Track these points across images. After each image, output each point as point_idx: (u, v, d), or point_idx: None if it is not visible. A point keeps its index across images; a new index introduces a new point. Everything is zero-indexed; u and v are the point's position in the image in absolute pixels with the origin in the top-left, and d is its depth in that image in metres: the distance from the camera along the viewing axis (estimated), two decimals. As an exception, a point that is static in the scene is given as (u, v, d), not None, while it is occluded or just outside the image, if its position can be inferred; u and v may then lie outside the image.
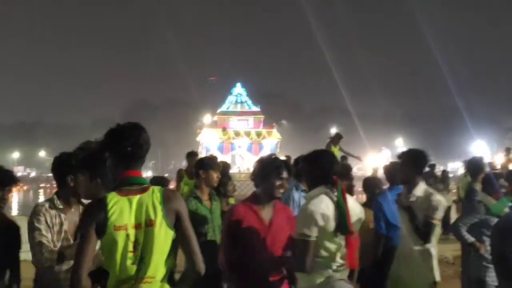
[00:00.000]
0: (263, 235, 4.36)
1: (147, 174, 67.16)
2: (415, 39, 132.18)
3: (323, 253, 4.19)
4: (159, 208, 3.30)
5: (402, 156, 5.89)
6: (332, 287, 4.19)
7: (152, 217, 3.28)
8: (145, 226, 3.27)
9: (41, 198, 57.38)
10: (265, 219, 4.40)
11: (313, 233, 4.11)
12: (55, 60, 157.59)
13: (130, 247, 3.24)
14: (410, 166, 5.71)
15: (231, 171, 15.64)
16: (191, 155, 11.33)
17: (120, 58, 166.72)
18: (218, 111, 57.73)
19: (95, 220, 3.25)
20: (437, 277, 5.63)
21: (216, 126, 53.69)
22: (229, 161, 24.70)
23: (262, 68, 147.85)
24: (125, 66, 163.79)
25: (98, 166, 3.95)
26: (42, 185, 75.62)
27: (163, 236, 3.30)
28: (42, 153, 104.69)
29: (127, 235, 3.24)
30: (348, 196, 4.33)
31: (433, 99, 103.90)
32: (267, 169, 4.46)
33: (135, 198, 3.30)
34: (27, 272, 4.78)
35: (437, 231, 5.82)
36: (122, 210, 3.26)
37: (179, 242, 3.39)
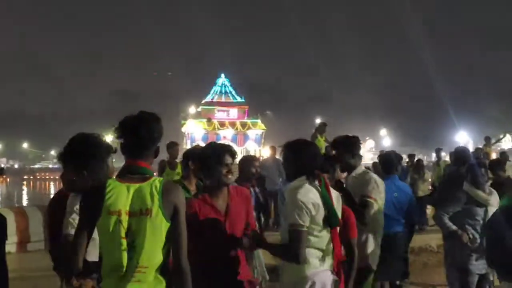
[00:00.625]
0: (221, 225, 4.32)
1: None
2: (399, 30, 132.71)
3: (313, 244, 4.17)
4: (156, 198, 3.30)
5: (336, 144, 5.95)
6: (314, 280, 4.16)
7: (149, 206, 3.28)
8: (139, 214, 3.27)
9: (25, 190, 57.05)
10: (221, 209, 4.32)
11: (306, 222, 4.08)
12: (37, 51, 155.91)
13: (122, 233, 3.24)
14: (346, 152, 5.83)
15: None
16: (171, 145, 11.25)
17: (102, 49, 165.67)
18: (203, 101, 57.75)
19: (92, 203, 3.30)
20: (374, 266, 5.67)
21: (201, 117, 53.67)
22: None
23: (246, 59, 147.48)
24: (107, 57, 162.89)
25: (84, 158, 3.92)
26: (25, 177, 75.09)
27: (158, 226, 3.29)
28: (25, 145, 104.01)
29: (120, 221, 3.25)
30: (330, 189, 4.32)
31: (416, 90, 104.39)
32: (210, 157, 4.36)
33: (134, 186, 3.33)
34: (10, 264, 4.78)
35: (378, 216, 5.76)
36: (118, 195, 3.29)
37: (170, 234, 3.35)
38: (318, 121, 54.71)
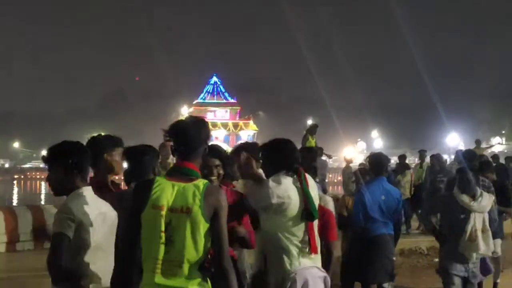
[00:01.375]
0: None
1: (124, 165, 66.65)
2: (391, 32, 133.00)
3: (289, 237, 4.25)
4: (198, 198, 3.51)
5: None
6: (303, 275, 4.22)
7: (190, 205, 3.50)
8: (180, 212, 3.50)
9: (15, 190, 56.82)
10: None
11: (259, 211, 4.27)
12: (29, 49, 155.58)
13: (162, 227, 3.47)
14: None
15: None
16: (162, 146, 11.16)
17: (95, 48, 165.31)
18: (195, 102, 57.73)
19: (141, 196, 3.57)
20: None
21: (193, 117, 53.80)
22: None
23: (238, 60, 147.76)
24: (99, 56, 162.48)
25: (76, 158, 3.89)
26: (16, 176, 74.80)
27: (197, 225, 3.49)
28: (15, 144, 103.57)
29: (161, 215, 3.48)
30: (309, 183, 4.40)
31: (408, 92, 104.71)
32: None
33: (179, 185, 3.56)
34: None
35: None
36: (163, 192, 3.54)
37: (211, 236, 3.54)
38: (309, 122, 54.93)
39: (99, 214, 3.87)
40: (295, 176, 4.33)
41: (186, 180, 3.59)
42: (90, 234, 3.74)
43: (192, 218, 3.48)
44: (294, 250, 4.27)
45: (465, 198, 6.49)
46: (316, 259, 4.36)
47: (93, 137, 4.89)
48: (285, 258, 4.28)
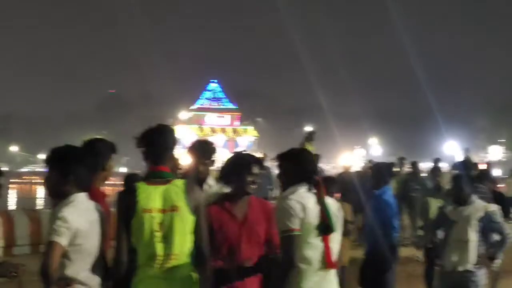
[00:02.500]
0: (237, 233, 4.29)
1: (121, 170, 66.58)
2: (389, 39, 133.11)
3: (307, 252, 4.14)
4: (182, 196, 3.94)
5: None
6: None
7: (176, 203, 3.92)
8: (170, 211, 3.90)
9: (12, 194, 56.67)
10: (239, 216, 4.33)
11: (296, 225, 4.07)
12: (27, 53, 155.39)
13: (156, 227, 3.87)
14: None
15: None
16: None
17: (93, 52, 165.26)
18: (193, 107, 57.71)
19: (127, 204, 3.93)
20: None
21: (191, 122, 53.65)
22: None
23: (238, 66, 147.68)
24: (98, 60, 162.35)
25: (71, 163, 3.89)
26: (12, 180, 74.57)
27: (186, 220, 3.93)
28: (13, 148, 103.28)
29: (153, 217, 3.87)
30: (326, 196, 4.31)
31: (406, 100, 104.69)
32: (238, 165, 4.41)
33: (161, 188, 3.95)
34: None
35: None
36: (149, 196, 3.91)
37: (194, 226, 3.98)
38: (308, 129, 54.90)
39: (92, 222, 3.91)
40: (312, 188, 4.27)
41: (164, 182, 4.00)
42: (84, 241, 3.78)
43: (180, 214, 3.91)
44: (310, 265, 4.16)
45: (449, 207, 6.45)
46: (330, 276, 4.25)
47: (90, 142, 4.87)
48: (297, 276, 4.16)
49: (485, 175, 8.50)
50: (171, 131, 4.20)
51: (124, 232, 3.95)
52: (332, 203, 4.35)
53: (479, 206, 6.29)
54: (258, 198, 4.65)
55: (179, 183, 4.02)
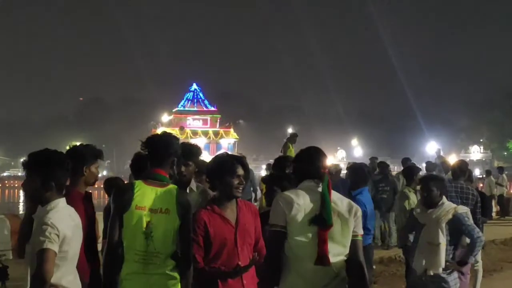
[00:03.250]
0: (232, 236, 4.27)
1: (102, 173, 66.25)
2: (371, 41, 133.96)
3: (299, 248, 3.96)
4: (173, 201, 4.16)
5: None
6: None
7: (168, 207, 4.14)
8: (159, 212, 4.13)
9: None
10: (231, 219, 4.29)
11: (281, 222, 3.96)
12: (4, 56, 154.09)
13: (144, 225, 4.09)
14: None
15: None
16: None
17: (74, 55, 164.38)
18: (174, 110, 57.49)
19: (124, 199, 4.13)
20: None
21: (172, 125, 53.44)
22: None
23: (218, 68, 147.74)
24: (77, 63, 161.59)
25: (52, 168, 3.85)
26: (-7, 184, 73.86)
27: (172, 223, 4.14)
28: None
29: (144, 215, 4.10)
30: (334, 193, 4.13)
31: (388, 101, 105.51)
32: (221, 168, 4.33)
33: (157, 189, 4.19)
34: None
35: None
36: (144, 195, 4.15)
37: (181, 230, 4.17)
38: (290, 130, 54.97)
39: (75, 226, 3.90)
40: (318, 182, 4.10)
41: (161, 185, 4.22)
42: (70, 246, 3.77)
43: (168, 217, 4.14)
44: (298, 263, 4.00)
45: (418, 210, 6.40)
46: (324, 272, 4.00)
47: (74, 147, 4.95)
48: (289, 272, 4.04)
49: (463, 172, 8.38)
50: (174, 139, 4.43)
51: (117, 225, 4.14)
52: (338, 201, 4.13)
53: (448, 208, 6.09)
54: (243, 200, 4.57)
55: (173, 188, 4.24)
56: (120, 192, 4.25)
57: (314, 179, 4.13)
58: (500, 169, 24.36)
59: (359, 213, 4.15)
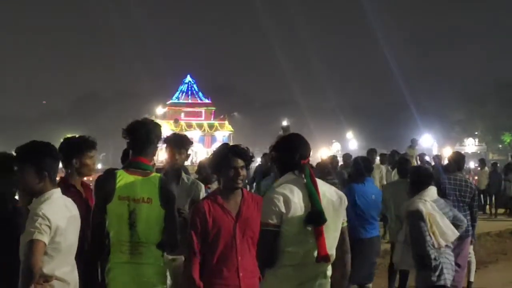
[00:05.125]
0: (231, 227, 4.21)
1: (97, 166, 66.08)
2: (364, 33, 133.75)
3: (295, 247, 3.83)
4: (156, 190, 4.20)
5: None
6: None
7: (150, 196, 4.18)
8: (142, 202, 4.14)
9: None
10: (232, 211, 4.25)
11: (275, 221, 3.79)
12: (1, 50, 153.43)
13: (127, 215, 4.12)
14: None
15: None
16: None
17: (68, 49, 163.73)
18: (169, 102, 57.37)
19: (106, 188, 4.14)
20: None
21: (167, 117, 53.33)
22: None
23: (212, 61, 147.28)
24: (72, 57, 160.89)
25: (44, 159, 3.81)
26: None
27: (156, 212, 4.19)
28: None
29: (128, 205, 4.12)
30: (320, 182, 4.01)
31: (382, 93, 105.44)
32: (218, 161, 4.32)
33: (139, 178, 4.20)
34: None
35: None
36: (127, 184, 4.16)
37: (165, 219, 4.24)
38: (285, 123, 54.84)
39: (71, 217, 3.87)
40: (301, 174, 3.94)
41: (143, 173, 4.25)
42: (62, 238, 3.73)
43: (151, 206, 4.18)
44: (295, 262, 3.86)
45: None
46: (322, 270, 3.96)
47: (66, 139, 4.93)
48: (286, 271, 3.90)
49: (457, 165, 8.33)
50: (155, 126, 4.39)
51: (101, 216, 4.18)
52: (328, 191, 4.02)
53: (407, 205, 6.07)
54: (251, 193, 4.53)
55: (155, 177, 4.29)
56: (102, 183, 4.25)
57: (294, 171, 3.98)
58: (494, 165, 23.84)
59: (346, 200, 4.08)
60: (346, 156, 14.26)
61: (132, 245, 4.15)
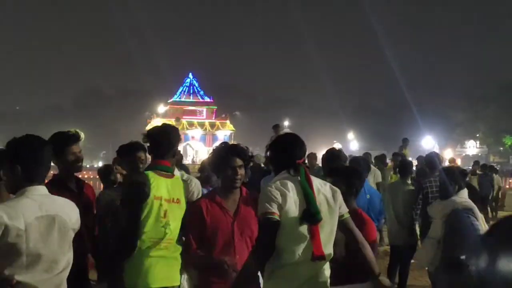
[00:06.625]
0: (229, 226, 4.21)
1: (98, 164, 66.04)
2: (366, 34, 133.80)
3: (290, 244, 3.75)
4: (182, 190, 4.57)
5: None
6: None
7: (179, 196, 4.53)
8: (172, 202, 4.46)
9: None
10: (230, 209, 4.26)
11: (275, 210, 3.66)
12: (2, 46, 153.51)
13: (162, 214, 4.39)
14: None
15: (184, 162, 15.55)
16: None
17: (71, 46, 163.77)
18: (170, 100, 57.26)
19: (142, 190, 4.33)
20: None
21: (168, 116, 53.25)
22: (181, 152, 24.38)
23: (214, 59, 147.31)
24: (75, 54, 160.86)
25: (19, 155, 3.53)
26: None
27: (182, 211, 4.52)
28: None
29: (161, 204, 4.39)
30: (315, 179, 3.93)
31: (384, 94, 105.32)
32: (217, 161, 4.34)
33: (168, 180, 4.50)
34: None
35: None
36: (159, 185, 4.41)
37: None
38: (286, 123, 54.74)
39: (42, 218, 3.42)
40: (296, 174, 3.86)
41: (168, 176, 4.53)
42: (23, 240, 3.29)
43: (180, 206, 4.51)
44: (290, 260, 3.76)
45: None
46: (318, 268, 3.88)
47: (54, 133, 4.91)
48: (281, 269, 3.80)
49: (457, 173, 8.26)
50: (175, 131, 4.70)
51: (137, 216, 4.33)
52: (322, 187, 3.94)
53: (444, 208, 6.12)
54: (251, 192, 4.49)
55: (179, 179, 4.69)
56: (138, 184, 4.39)
57: (290, 170, 3.89)
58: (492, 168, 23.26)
59: (340, 194, 4.00)
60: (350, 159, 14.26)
61: (164, 242, 4.44)
